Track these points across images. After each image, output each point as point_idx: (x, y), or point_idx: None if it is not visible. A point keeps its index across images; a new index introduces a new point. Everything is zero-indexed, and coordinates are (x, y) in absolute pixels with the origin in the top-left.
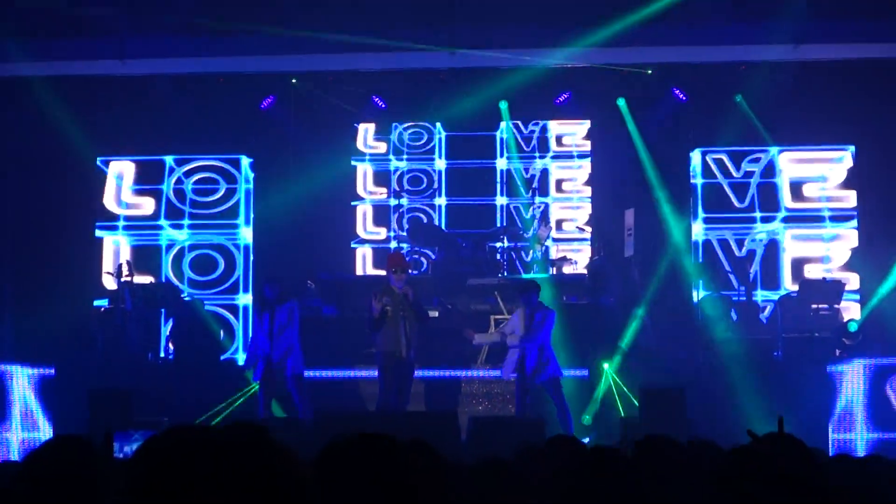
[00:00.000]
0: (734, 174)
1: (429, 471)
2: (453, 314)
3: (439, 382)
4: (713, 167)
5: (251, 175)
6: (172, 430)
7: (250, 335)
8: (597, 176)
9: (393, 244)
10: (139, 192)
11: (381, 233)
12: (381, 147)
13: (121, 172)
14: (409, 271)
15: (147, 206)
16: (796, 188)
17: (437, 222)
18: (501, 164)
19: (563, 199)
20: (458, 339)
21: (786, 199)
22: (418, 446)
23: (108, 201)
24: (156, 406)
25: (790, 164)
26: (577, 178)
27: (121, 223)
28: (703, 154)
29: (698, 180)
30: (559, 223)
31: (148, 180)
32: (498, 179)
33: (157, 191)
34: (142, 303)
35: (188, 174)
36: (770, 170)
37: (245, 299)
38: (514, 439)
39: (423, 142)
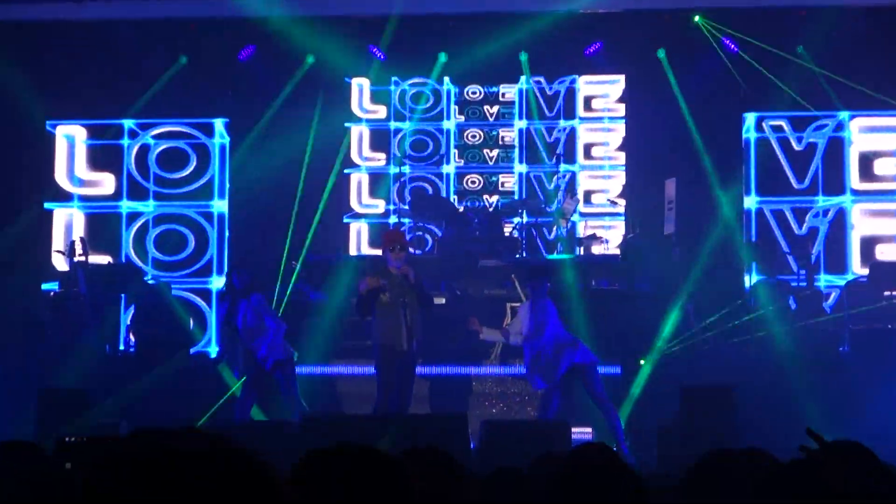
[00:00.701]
0: (795, 146)
1: (432, 483)
2: (463, 301)
3: (446, 381)
4: (770, 134)
5: (227, 139)
6: (139, 436)
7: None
8: (632, 140)
9: (392, 219)
10: (95, 166)
11: (379, 205)
12: (380, 108)
13: (73, 139)
14: (410, 250)
15: (105, 183)
16: (867, 163)
17: (444, 194)
18: (520, 125)
19: (593, 168)
20: (468, 330)
21: (854, 177)
22: (419, 456)
23: (60, 176)
24: (115, 407)
25: (862, 133)
26: (610, 142)
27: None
28: (759, 119)
29: (752, 147)
30: (588, 195)
31: (105, 151)
32: (516, 144)
33: (116, 163)
34: (98, 286)
35: (154, 142)
36: (837, 142)
37: (219, 283)
38: (533, 447)
39: (428, 100)
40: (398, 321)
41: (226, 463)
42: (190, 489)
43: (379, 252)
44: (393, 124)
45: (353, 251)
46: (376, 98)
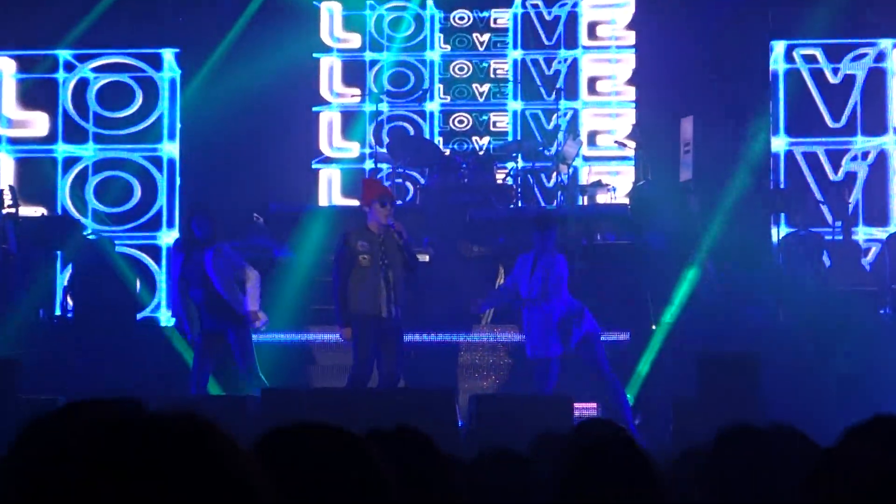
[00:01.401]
0: (830, 78)
1: (408, 469)
2: (449, 259)
3: (429, 349)
4: (801, 65)
5: (177, 72)
6: (71, 408)
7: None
8: (643, 73)
9: (368, 164)
10: (25, 104)
11: (353, 149)
12: (354, 36)
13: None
14: (393, 201)
15: (37, 123)
16: None
17: (427, 135)
18: (515, 56)
19: (598, 104)
20: (455, 292)
21: None
22: (386, 437)
23: None
24: (50, 380)
25: None
26: (617, 75)
27: None
28: (789, 48)
29: (780, 80)
30: (592, 136)
31: (38, 86)
32: (510, 78)
33: (50, 100)
34: (30, 242)
35: (93, 76)
36: (878, 74)
37: (169, 238)
38: (531, 424)
39: (409, 28)
40: (377, 285)
41: (190, 434)
42: (146, 464)
43: (353, 202)
44: (368, 55)
45: (322, 201)
46: (349, 24)
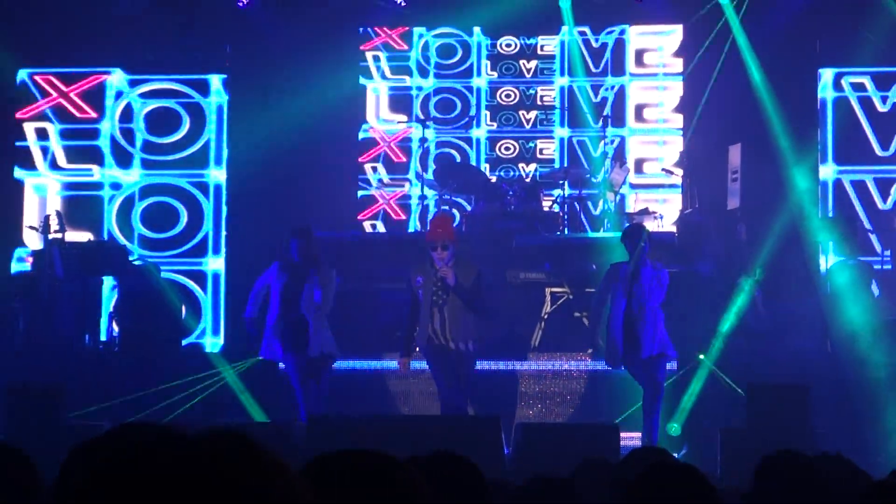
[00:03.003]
0: (879, 106)
1: (450, 495)
2: (495, 286)
3: (477, 377)
4: (850, 93)
5: (225, 98)
6: (123, 430)
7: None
8: (690, 101)
9: (414, 191)
10: (68, 135)
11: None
12: (402, 77)
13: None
14: (453, 244)
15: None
16: None
17: (474, 161)
18: (562, 83)
19: (646, 132)
20: (500, 319)
21: None
22: (438, 463)
23: (34, 151)
24: (95, 406)
25: None
26: (665, 102)
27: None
28: (837, 76)
29: (829, 108)
30: (639, 164)
31: (83, 119)
32: (557, 105)
33: (94, 130)
34: (76, 268)
35: (141, 102)
36: None
37: (215, 263)
38: (577, 453)
39: (456, 54)
40: (428, 320)
41: (237, 455)
42: (191, 486)
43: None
44: (415, 81)
45: (367, 228)
46: (395, 58)
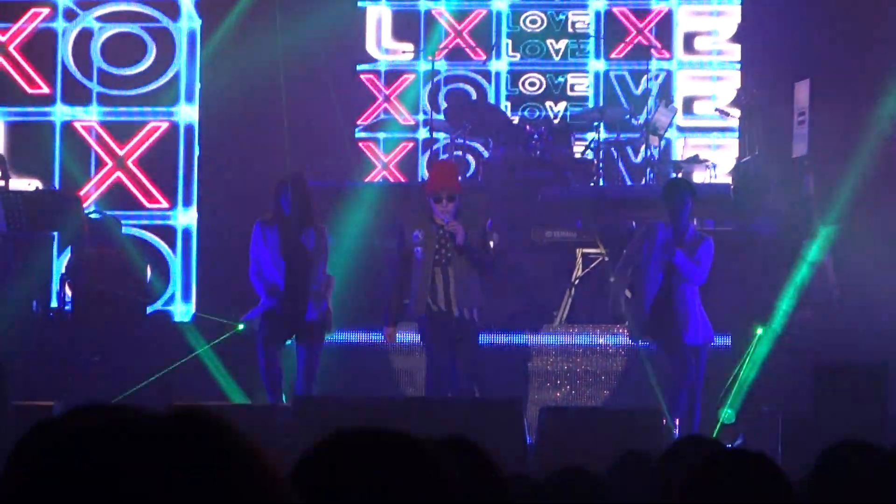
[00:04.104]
0: None
1: (472, 484)
2: (517, 247)
3: (493, 353)
4: None
5: (198, 22)
6: (71, 417)
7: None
8: (750, 28)
9: (422, 133)
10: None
11: (404, 114)
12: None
13: None
14: (459, 195)
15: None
16: None
17: (492, 100)
18: (598, 6)
19: (696, 66)
20: (523, 285)
21: None
22: (455, 446)
23: None
24: (44, 384)
25: None
26: (719, 30)
27: None
28: None
29: None
30: (688, 103)
31: (36, 42)
32: (592, 31)
33: (46, 54)
34: (23, 222)
35: (98, 27)
36: None
37: (187, 217)
38: (612, 442)
39: None
40: (429, 282)
41: (215, 443)
42: (154, 474)
43: (400, 179)
44: (424, 3)
45: (366, 177)
46: None
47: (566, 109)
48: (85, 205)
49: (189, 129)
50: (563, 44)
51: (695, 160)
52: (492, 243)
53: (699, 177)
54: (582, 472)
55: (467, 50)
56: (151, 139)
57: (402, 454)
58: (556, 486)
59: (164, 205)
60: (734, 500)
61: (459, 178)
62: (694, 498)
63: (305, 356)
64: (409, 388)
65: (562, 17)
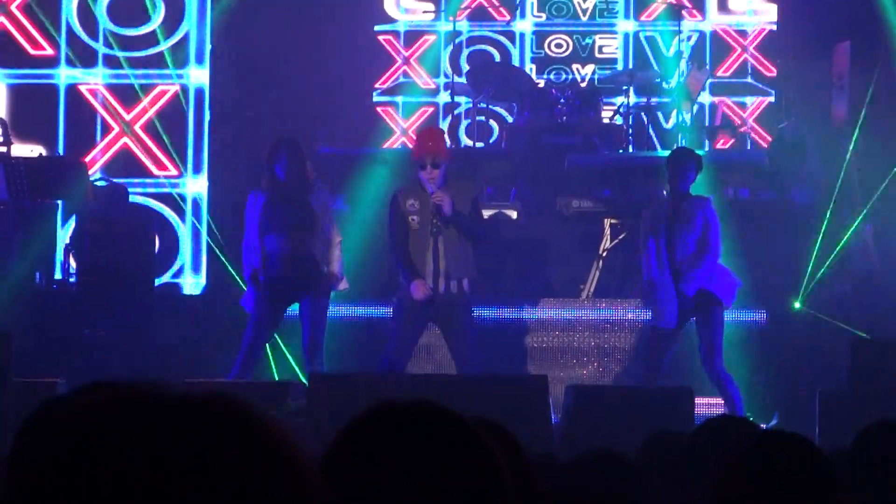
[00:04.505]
0: None
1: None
2: (541, 217)
3: (516, 329)
4: None
5: None
6: (78, 395)
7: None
8: None
9: (442, 97)
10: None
11: (424, 77)
12: None
13: None
14: (446, 162)
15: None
16: None
17: (517, 62)
18: None
19: (730, 25)
20: (548, 257)
21: None
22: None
23: None
24: (48, 359)
25: None
26: None
27: None
28: None
29: None
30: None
31: (39, 1)
32: None
33: (51, 15)
34: (25, 190)
35: None
36: None
37: (196, 185)
38: (642, 422)
39: None
40: (424, 254)
41: (225, 420)
42: (169, 458)
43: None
44: None
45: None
46: None
47: (594, 72)
48: (90, 172)
49: (199, 92)
50: (590, 3)
51: (728, 126)
52: (515, 213)
53: (734, 143)
54: (611, 453)
55: (490, 10)
56: (160, 103)
57: (452, 429)
58: (584, 469)
59: (173, 172)
60: (775, 484)
61: (447, 142)
62: (732, 482)
63: (310, 311)
64: (428, 365)
65: None
